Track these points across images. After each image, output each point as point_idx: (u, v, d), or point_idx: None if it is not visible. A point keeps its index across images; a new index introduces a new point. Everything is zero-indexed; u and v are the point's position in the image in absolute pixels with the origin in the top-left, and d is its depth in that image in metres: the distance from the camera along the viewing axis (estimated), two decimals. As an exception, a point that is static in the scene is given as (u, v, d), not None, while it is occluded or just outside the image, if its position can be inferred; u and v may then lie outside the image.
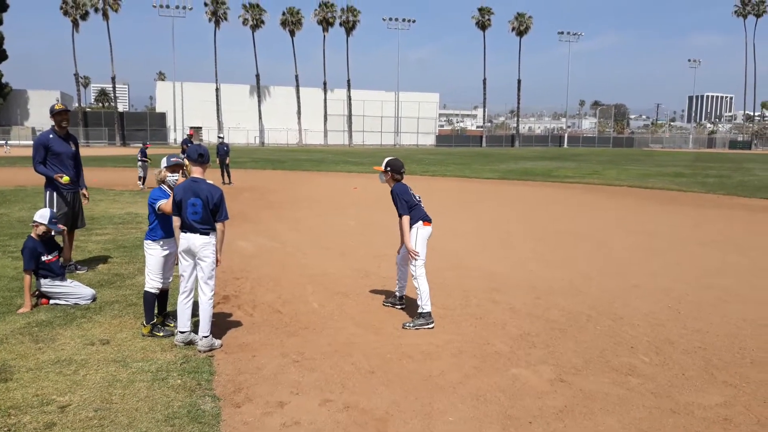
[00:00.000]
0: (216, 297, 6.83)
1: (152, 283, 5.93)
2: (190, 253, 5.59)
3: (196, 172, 5.77)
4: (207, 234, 5.57)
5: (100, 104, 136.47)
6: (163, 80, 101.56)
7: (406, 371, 5.12)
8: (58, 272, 6.81)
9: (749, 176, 31.35)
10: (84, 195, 8.52)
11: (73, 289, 6.81)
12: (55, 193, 8.14)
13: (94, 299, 6.87)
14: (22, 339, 5.62)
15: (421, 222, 6.41)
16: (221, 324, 6.20)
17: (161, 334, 5.84)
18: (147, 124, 79.34)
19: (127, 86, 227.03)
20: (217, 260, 5.69)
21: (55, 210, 7.91)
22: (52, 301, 6.73)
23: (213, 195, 5.59)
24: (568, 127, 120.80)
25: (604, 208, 17.42)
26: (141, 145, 23.18)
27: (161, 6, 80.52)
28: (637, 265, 9.52)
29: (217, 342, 5.63)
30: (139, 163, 21.60)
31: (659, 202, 18.93)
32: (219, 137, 26.71)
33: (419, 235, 6.39)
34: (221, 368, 5.10)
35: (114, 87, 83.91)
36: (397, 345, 5.77)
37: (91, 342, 5.59)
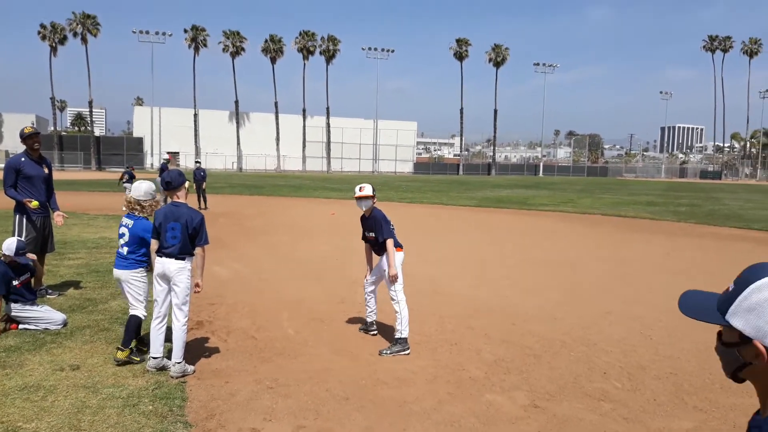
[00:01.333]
0: (190, 323, 6.76)
1: (142, 309, 5.91)
2: (165, 277, 5.56)
3: (176, 197, 5.78)
4: (183, 259, 5.54)
5: (77, 128, 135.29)
6: (141, 105, 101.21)
7: (380, 397, 5.11)
8: (29, 297, 6.70)
9: (719, 205, 32.02)
10: (61, 215, 8.44)
11: (44, 314, 6.70)
12: (24, 218, 8.04)
13: (64, 324, 6.76)
14: (-12, 365, 5.50)
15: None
16: (195, 350, 6.13)
17: (138, 359, 5.75)
18: (124, 149, 78.73)
19: (104, 111, 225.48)
20: (197, 284, 5.66)
21: (24, 235, 7.82)
22: (21, 326, 6.61)
23: (193, 219, 5.59)
24: (544, 156, 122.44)
25: (578, 236, 17.63)
26: (125, 167, 23.14)
27: (141, 32, 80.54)
28: (610, 292, 9.64)
29: (190, 368, 5.57)
30: (127, 185, 21.50)
31: (632, 230, 19.22)
32: (196, 162, 26.66)
33: (397, 260, 6.43)
34: (194, 394, 5.03)
35: (91, 111, 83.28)
36: (372, 371, 5.75)
37: (61, 367, 5.49)
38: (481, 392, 5.27)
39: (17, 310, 6.58)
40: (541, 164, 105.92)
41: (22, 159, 8.11)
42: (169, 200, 5.97)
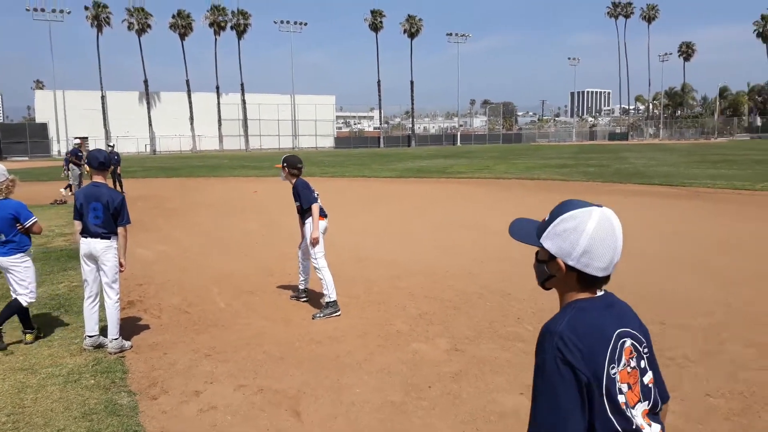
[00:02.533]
0: (121, 302, 6.87)
1: (30, 296, 5.83)
2: (92, 257, 5.65)
3: (97, 177, 5.83)
4: (108, 238, 5.64)
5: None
6: (41, 89, 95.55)
7: (314, 354, 5.47)
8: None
9: (625, 164, 34.02)
10: None
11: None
12: None
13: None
14: None
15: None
16: (129, 327, 6.26)
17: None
18: (26, 136, 74.18)
19: (0, 96, 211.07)
20: (120, 264, 5.77)
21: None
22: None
23: (114, 199, 5.68)
24: (461, 125, 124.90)
25: (494, 200, 18.49)
26: (72, 146, 22.24)
27: (35, 9, 75.69)
28: (523, 250, 10.32)
29: (127, 343, 5.72)
30: (69, 168, 20.68)
31: (543, 191, 20.30)
32: (109, 146, 25.81)
33: (320, 227, 6.75)
34: (134, 367, 5.22)
35: (-15, 97, 77.94)
36: (306, 333, 6.10)
37: (-6, 353, 5.52)
38: (408, 342, 5.73)
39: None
40: (459, 134, 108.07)
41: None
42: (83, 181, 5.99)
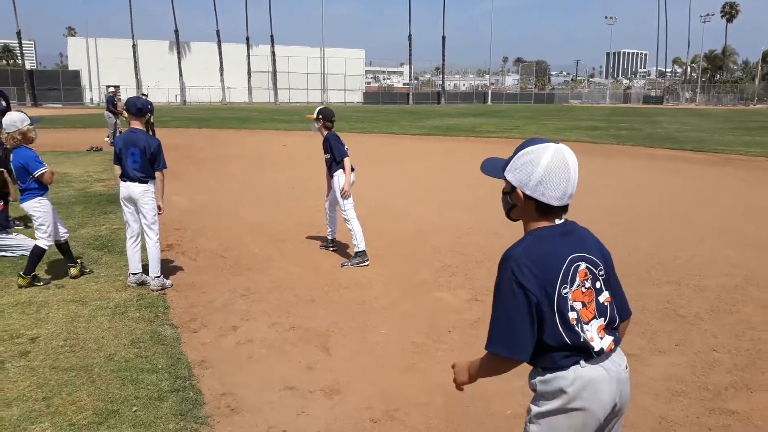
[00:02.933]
0: (160, 245, 7.28)
1: (48, 239, 6.04)
2: (131, 200, 6.00)
3: (134, 123, 6.14)
4: (145, 182, 5.97)
5: (4, 61, 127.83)
6: (74, 35, 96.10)
7: (343, 299, 5.82)
8: (4, 224, 7.03)
9: (657, 128, 33.50)
10: None
11: (19, 242, 7.07)
12: None
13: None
14: (-23, 286, 5.92)
15: None
16: (169, 268, 6.67)
17: (41, 283, 6.03)
18: (60, 83, 75.14)
19: (33, 42, 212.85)
20: (159, 207, 6.12)
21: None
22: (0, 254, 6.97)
23: (150, 145, 5.99)
24: (492, 84, 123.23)
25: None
26: (107, 94, 22.72)
27: (68, -45, 75.58)
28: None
29: (168, 281, 6.12)
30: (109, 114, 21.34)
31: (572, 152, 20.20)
32: (143, 95, 26.24)
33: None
34: (175, 303, 5.62)
35: (20, 42, 78.74)
36: (334, 278, 6.45)
37: (47, 287, 5.96)
38: (430, 291, 6.04)
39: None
40: (490, 92, 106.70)
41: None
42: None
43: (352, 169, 7.09)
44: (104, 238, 7.97)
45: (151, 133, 22.70)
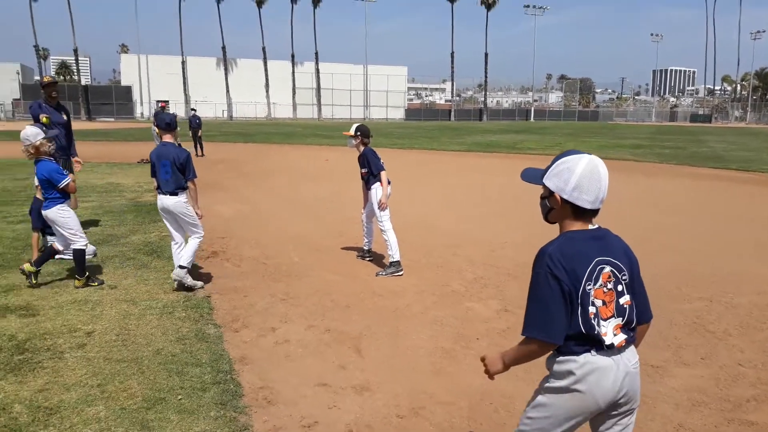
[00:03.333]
0: (205, 252, 7.75)
1: (82, 239, 6.39)
2: (167, 211, 6.42)
3: (166, 137, 6.55)
4: (176, 194, 6.34)
5: (62, 77, 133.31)
6: (126, 52, 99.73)
7: (376, 306, 6.06)
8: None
9: (703, 147, 32.92)
10: (78, 162, 9.16)
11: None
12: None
13: (95, 255, 7.60)
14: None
15: None
16: (214, 273, 7.05)
17: (96, 284, 6.43)
18: (113, 98, 78.13)
19: (88, 59, 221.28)
20: (197, 214, 6.50)
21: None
22: (57, 257, 7.43)
23: (179, 156, 6.36)
24: (535, 101, 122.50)
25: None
26: (156, 108, 23.54)
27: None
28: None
29: (199, 283, 6.45)
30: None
31: (610, 170, 20.03)
32: (192, 110, 27.16)
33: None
34: (218, 305, 5.96)
35: (77, 59, 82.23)
36: (369, 287, 6.70)
37: (101, 288, 6.38)
38: (461, 301, 6.23)
39: (53, 242, 7.39)
40: (532, 109, 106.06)
41: (41, 105, 8.77)
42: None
43: (389, 182, 7.36)
44: (153, 244, 8.41)
45: (199, 147, 23.54)
